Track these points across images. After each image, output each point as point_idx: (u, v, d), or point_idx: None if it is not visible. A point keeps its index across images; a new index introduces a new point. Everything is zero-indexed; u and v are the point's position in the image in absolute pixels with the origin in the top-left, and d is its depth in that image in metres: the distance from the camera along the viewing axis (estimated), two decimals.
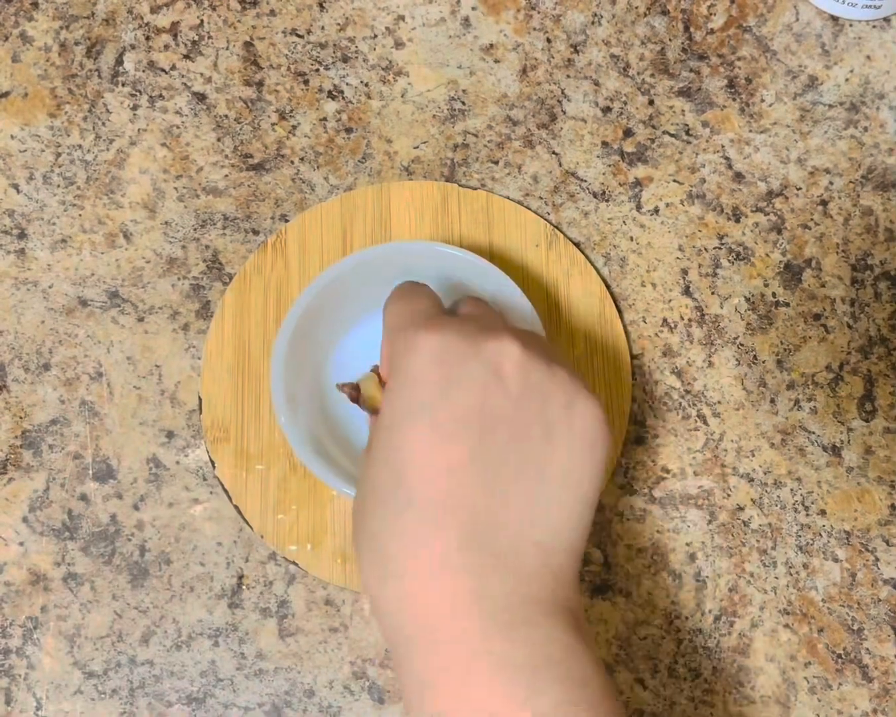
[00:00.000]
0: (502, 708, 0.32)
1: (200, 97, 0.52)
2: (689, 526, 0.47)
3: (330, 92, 0.52)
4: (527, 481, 0.34)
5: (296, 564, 0.47)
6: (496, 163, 0.51)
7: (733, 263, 0.50)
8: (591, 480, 0.36)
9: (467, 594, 0.33)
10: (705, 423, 0.48)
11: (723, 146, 0.52)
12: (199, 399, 0.49)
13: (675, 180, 0.51)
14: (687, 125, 0.52)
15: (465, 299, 0.42)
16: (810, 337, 0.49)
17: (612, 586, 0.47)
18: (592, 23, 0.53)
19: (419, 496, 0.34)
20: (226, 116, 0.52)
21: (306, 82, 0.52)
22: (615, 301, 0.50)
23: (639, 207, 0.51)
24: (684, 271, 0.50)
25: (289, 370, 0.45)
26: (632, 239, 0.51)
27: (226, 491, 0.47)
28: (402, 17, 0.53)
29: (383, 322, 0.39)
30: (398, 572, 0.34)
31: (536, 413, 0.35)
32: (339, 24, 0.53)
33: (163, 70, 0.53)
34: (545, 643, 0.33)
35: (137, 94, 0.52)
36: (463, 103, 0.52)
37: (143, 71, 0.53)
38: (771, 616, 0.46)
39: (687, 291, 0.50)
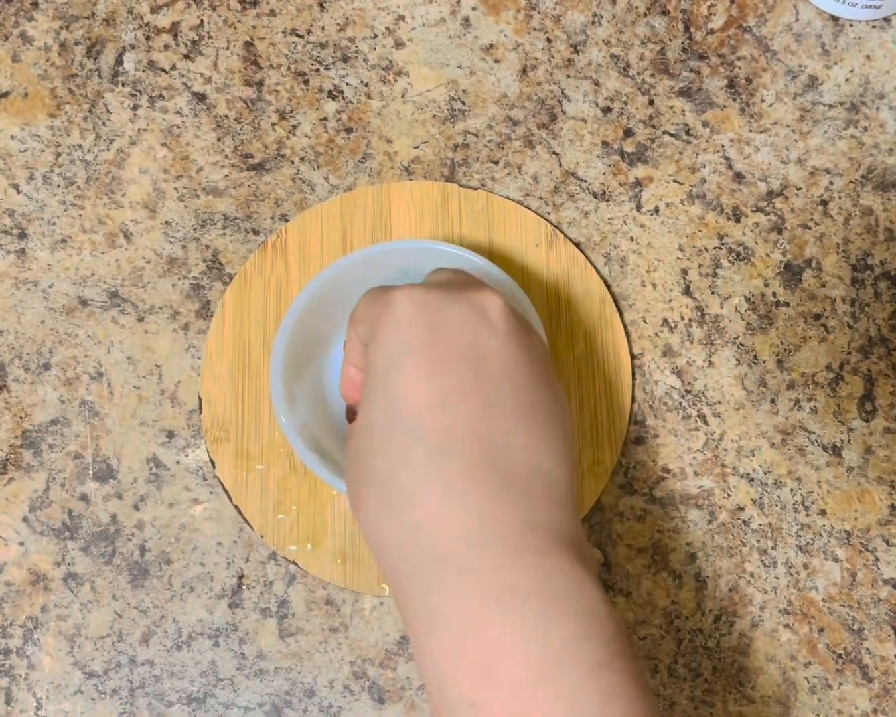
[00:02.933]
0: (512, 640, 0.31)
1: (200, 97, 0.52)
2: (689, 526, 0.47)
3: (330, 92, 0.52)
4: (523, 412, 0.35)
5: (296, 564, 0.47)
6: (496, 163, 0.51)
7: (733, 263, 0.50)
8: (572, 427, 0.38)
9: (478, 521, 0.33)
10: (705, 423, 0.48)
11: (723, 146, 0.52)
12: (199, 399, 0.49)
13: (675, 180, 0.51)
14: (687, 125, 0.52)
15: (437, 269, 0.43)
16: (810, 337, 0.49)
17: (612, 586, 0.47)
18: (592, 23, 0.53)
19: (423, 427, 0.34)
20: (226, 116, 0.52)
21: (306, 82, 0.52)
22: (615, 301, 0.50)
23: (639, 207, 0.51)
24: (684, 271, 0.50)
25: (289, 370, 0.45)
26: (632, 239, 0.51)
27: (226, 491, 0.47)
28: (402, 17, 0.53)
29: (351, 317, 0.40)
30: (407, 502, 0.33)
31: (522, 356, 0.36)
32: (339, 24, 0.53)
33: (163, 70, 0.53)
34: (555, 573, 0.32)
35: (137, 94, 0.52)
36: (463, 103, 0.52)
37: (144, 71, 0.53)
38: (771, 616, 0.46)
39: (687, 291, 0.50)
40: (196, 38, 0.53)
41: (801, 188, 0.51)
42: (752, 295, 0.50)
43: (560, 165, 0.51)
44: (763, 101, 0.52)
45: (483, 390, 0.35)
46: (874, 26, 0.53)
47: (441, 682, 0.32)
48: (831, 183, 0.51)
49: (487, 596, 0.32)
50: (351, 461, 0.37)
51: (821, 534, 0.47)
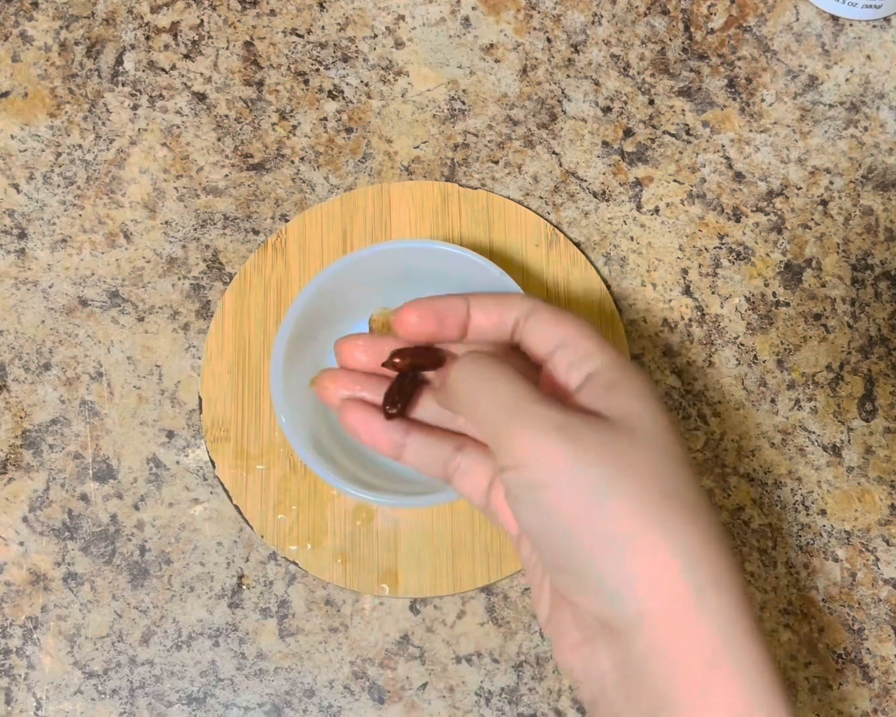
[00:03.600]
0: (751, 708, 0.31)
1: (200, 97, 0.52)
2: None
3: (330, 92, 0.52)
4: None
5: (296, 564, 0.47)
6: (496, 163, 0.51)
7: (733, 262, 0.50)
8: None
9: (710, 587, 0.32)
10: (705, 422, 0.48)
11: (723, 146, 0.52)
12: (199, 399, 0.49)
13: (675, 180, 0.51)
14: (687, 125, 0.52)
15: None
16: (810, 337, 0.49)
17: None
18: (592, 23, 0.53)
19: (686, 472, 0.34)
20: (226, 116, 0.52)
21: (306, 82, 0.52)
22: (615, 301, 0.50)
23: (639, 207, 0.51)
24: (684, 271, 0.50)
25: (289, 370, 0.45)
26: (632, 239, 0.51)
27: (226, 491, 0.47)
28: (402, 17, 0.53)
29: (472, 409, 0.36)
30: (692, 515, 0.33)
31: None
32: (339, 23, 0.53)
33: (163, 70, 0.53)
34: (765, 647, 0.33)
35: (137, 93, 0.52)
36: (463, 103, 0.52)
37: (143, 71, 0.53)
38: (771, 616, 0.46)
39: (687, 291, 0.50)
40: (196, 37, 0.53)
41: (801, 188, 0.51)
42: (752, 295, 0.50)
43: (560, 165, 0.51)
44: (763, 100, 0.52)
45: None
46: (874, 26, 0.53)
47: None
48: (831, 183, 0.51)
49: (723, 674, 0.31)
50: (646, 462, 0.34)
51: (821, 534, 0.47)
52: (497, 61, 0.53)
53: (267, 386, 0.48)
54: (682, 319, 0.50)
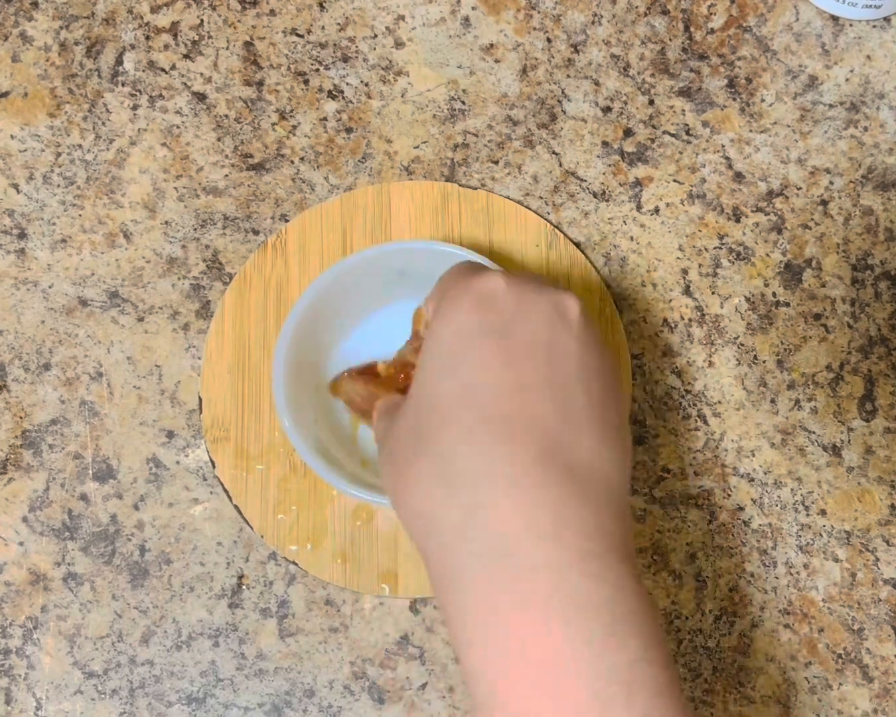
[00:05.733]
0: (579, 654, 0.30)
1: (200, 97, 0.52)
2: (689, 526, 0.47)
3: (330, 92, 0.52)
4: (592, 415, 0.34)
5: (296, 564, 0.47)
6: (496, 163, 0.51)
7: (733, 263, 0.50)
8: (630, 442, 0.38)
9: (546, 515, 0.31)
10: (705, 423, 0.48)
11: (723, 146, 0.52)
12: (199, 399, 0.49)
13: (675, 180, 0.51)
14: (687, 125, 0.52)
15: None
16: (810, 337, 0.49)
17: None
18: (592, 23, 0.53)
19: (494, 412, 0.33)
20: (226, 116, 0.52)
21: (306, 82, 0.52)
22: (615, 301, 0.50)
23: (639, 207, 0.51)
24: (684, 271, 0.50)
25: (290, 372, 0.45)
26: (632, 239, 0.51)
27: (226, 491, 0.47)
28: (402, 17, 0.53)
29: (437, 285, 0.40)
30: (469, 482, 0.32)
31: (596, 364, 0.36)
32: (339, 23, 0.53)
33: (163, 70, 0.53)
34: (622, 588, 0.31)
35: (137, 93, 0.52)
36: (463, 103, 0.52)
37: (143, 71, 0.53)
38: (771, 616, 0.46)
39: (687, 291, 0.50)
40: (196, 37, 0.53)
41: (801, 188, 0.51)
42: (752, 295, 0.50)
43: (560, 165, 0.51)
44: (763, 101, 0.52)
45: (557, 386, 0.34)
46: (874, 26, 0.53)
47: (491, 683, 0.30)
48: (831, 183, 0.51)
49: (552, 600, 0.30)
50: (403, 429, 0.35)
51: (821, 534, 0.47)
52: (497, 61, 0.53)
53: (267, 386, 0.48)
54: (682, 319, 0.50)
